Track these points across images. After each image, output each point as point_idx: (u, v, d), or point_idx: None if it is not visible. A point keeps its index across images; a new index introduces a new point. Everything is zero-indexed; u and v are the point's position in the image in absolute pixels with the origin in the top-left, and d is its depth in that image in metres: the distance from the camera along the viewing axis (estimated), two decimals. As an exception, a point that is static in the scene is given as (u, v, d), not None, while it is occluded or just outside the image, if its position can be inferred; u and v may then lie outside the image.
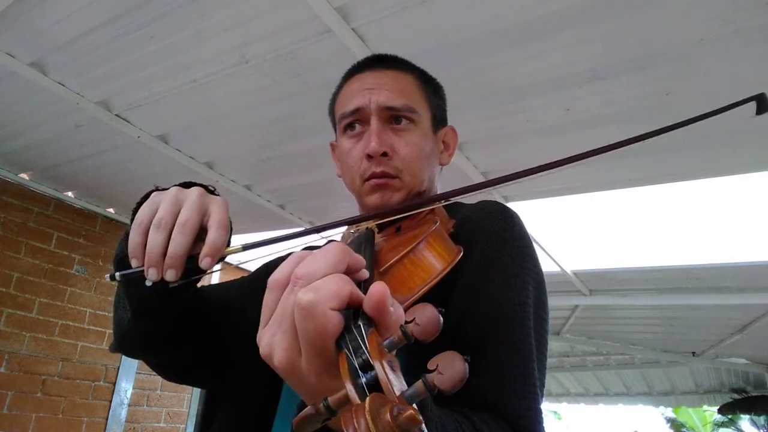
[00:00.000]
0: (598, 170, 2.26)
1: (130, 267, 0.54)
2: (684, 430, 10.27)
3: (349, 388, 0.29)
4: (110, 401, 3.10)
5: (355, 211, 0.79)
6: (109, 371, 3.14)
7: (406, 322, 0.33)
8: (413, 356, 0.49)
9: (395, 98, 0.72)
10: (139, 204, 0.57)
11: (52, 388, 2.85)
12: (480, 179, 2.37)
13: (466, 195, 0.57)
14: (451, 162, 0.82)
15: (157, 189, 0.58)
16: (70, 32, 1.69)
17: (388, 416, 0.25)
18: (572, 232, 3.16)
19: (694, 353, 5.21)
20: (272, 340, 0.38)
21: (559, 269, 3.28)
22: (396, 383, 0.29)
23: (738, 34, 1.45)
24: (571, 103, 1.83)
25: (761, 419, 7.35)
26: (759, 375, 5.67)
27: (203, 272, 0.53)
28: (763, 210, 2.76)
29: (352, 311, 0.35)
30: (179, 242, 0.51)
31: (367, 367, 0.31)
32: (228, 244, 0.55)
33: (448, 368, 0.30)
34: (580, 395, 7.67)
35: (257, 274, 0.83)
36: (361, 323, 0.34)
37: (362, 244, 0.57)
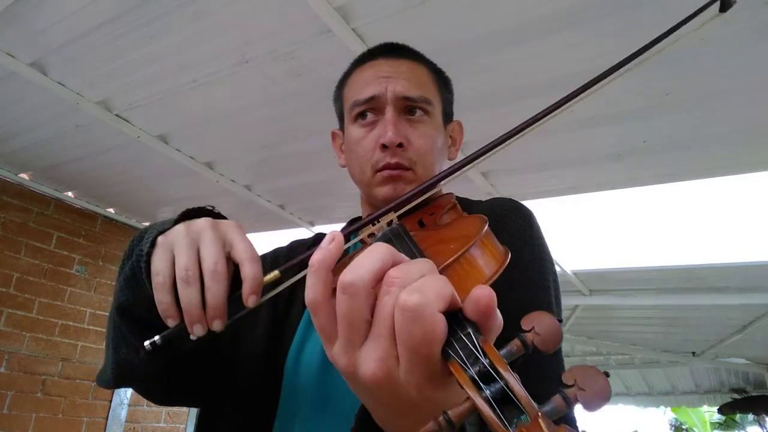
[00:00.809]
0: (598, 170, 2.26)
1: (140, 317, 0.53)
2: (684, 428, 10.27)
3: (480, 403, 0.27)
4: (110, 401, 3.10)
5: (355, 210, 0.79)
6: (109, 371, 3.14)
7: (524, 331, 0.30)
8: None
9: (412, 88, 0.70)
10: (134, 243, 0.53)
11: (52, 388, 2.85)
12: (479, 178, 2.37)
13: (459, 173, 0.55)
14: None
15: (153, 226, 0.53)
16: (70, 32, 1.69)
17: None
18: (572, 232, 3.16)
19: (694, 353, 5.21)
20: (358, 350, 0.34)
21: (559, 269, 3.28)
22: (530, 398, 0.26)
23: (738, 34, 1.45)
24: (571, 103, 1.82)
25: (748, 417, 7.33)
26: (759, 375, 5.66)
27: (246, 309, 0.49)
28: (763, 210, 2.76)
29: (451, 315, 0.33)
30: (216, 292, 0.47)
31: (486, 377, 0.28)
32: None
33: (590, 383, 0.26)
34: (580, 395, 7.66)
35: None
36: (470, 330, 0.32)
37: (402, 240, 0.50)
